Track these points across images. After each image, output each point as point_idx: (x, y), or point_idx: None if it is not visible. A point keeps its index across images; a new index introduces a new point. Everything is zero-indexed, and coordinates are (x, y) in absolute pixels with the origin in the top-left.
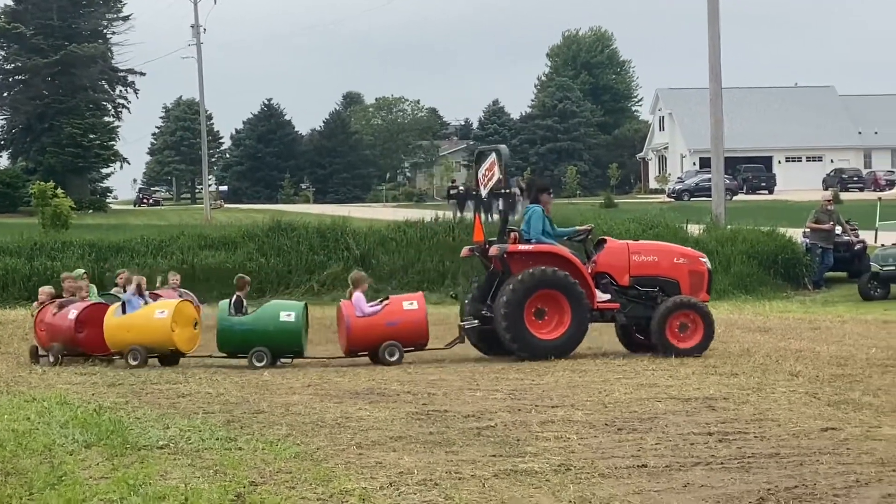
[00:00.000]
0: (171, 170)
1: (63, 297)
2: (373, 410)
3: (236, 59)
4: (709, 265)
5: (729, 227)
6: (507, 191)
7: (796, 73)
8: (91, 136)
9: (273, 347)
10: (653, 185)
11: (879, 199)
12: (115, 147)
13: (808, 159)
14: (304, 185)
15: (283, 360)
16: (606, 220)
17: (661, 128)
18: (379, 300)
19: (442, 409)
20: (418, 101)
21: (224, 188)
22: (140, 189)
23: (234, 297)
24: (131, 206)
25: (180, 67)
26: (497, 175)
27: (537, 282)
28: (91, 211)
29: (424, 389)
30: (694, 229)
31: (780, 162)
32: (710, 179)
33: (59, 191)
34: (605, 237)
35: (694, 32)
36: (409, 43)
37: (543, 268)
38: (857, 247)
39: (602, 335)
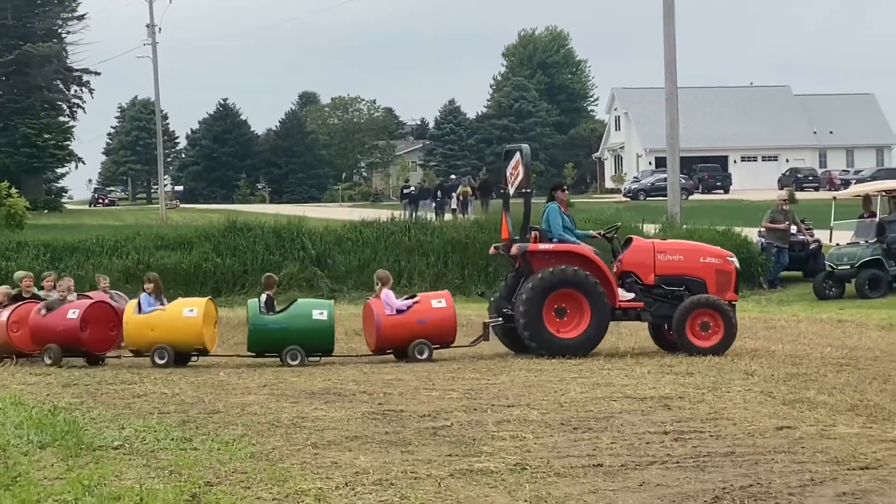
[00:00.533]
0: (127, 170)
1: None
2: (329, 410)
3: (192, 59)
4: (737, 264)
5: (684, 226)
6: (528, 190)
7: (752, 73)
8: (46, 136)
9: (305, 345)
10: (609, 184)
11: (834, 198)
12: (70, 147)
13: (764, 159)
14: (259, 185)
15: (310, 358)
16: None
17: (617, 127)
18: (407, 297)
19: (398, 408)
20: (374, 101)
21: (180, 188)
22: (95, 189)
23: (265, 296)
24: (87, 207)
25: (136, 67)
26: (521, 173)
27: (556, 281)
28: (46, 211)
29: (380, 389)
30: (650, 229)
31: (735, 161)
32: (665, 179)
33: (14, 191)
34: (633, 236)
35: (649, 32)
36: (365, 42)
37: (563, 267)
38: (813, 246)
39: (635, 334)
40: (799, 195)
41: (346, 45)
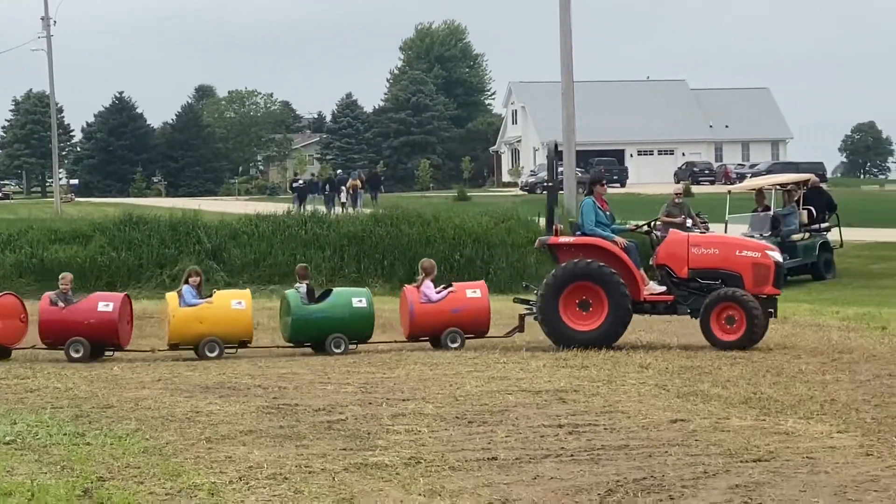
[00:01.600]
0: (22, 163)
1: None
2: (223, 405)
3: (88, 52)
4: (776, 258)
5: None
6: (550, 184)
7: (649, 67)
8: None
9: (346, 333)
10: (506, 178)
11: (729, 192)
12: None
13: (660, 153)
14: (156, 179)
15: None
16: (459, 214)
17: (514, 121)
18: (443, 286)
19: (293, 402)
20: (271, 95)
21: (75, 182)
22: None
23: (304, 285)
24: None
25: (30, 60)
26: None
27: (571, 274)
28: None
29: (275, 383)
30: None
31: (632, 155)
32: (562, 172)
33: None
34: (673, 229)
35: (546, 26)
36: (262, 35)
37: (578, 260)
38: None
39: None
40: (695, 189)
41: (243, 38)
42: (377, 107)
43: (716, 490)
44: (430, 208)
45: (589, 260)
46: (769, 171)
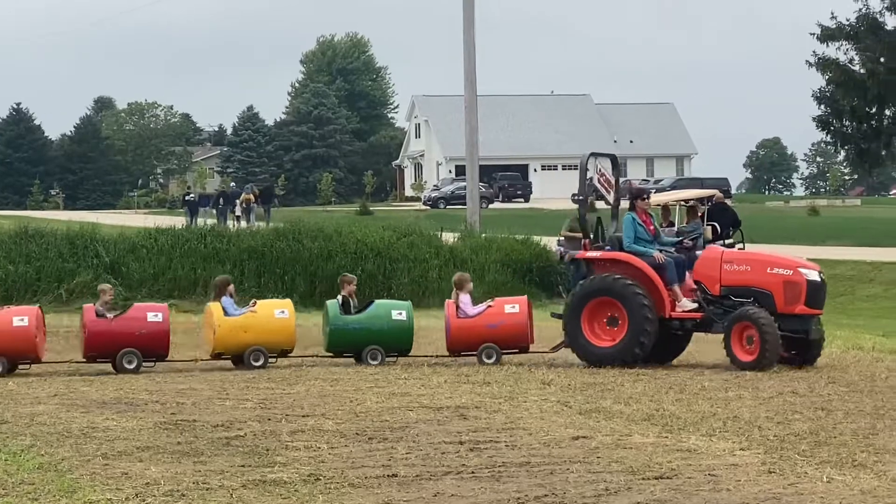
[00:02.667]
0: None
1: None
2: (120, 420)
3: None
4: (810, 276)
5: (483, 235)
6: (580, 197)
7: (553, 82)
8: None
9: (385, 345)
10: (409, 192)
11: None
12: None
13: (565, 167)
14: (53, 191)
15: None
16: (361, 228)
17: (417, 135)
18: (484, 302)
19: (191, 418)
20: (171, 107)
21: None
22: None
23: (341, 297)
24: None
25: None
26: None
27: (590, 290)
28: None
29: (173, 399)
30: (449, 237)
31: (536, 170)
32: (465, 187)
33: None
34: (714, 245)
35: (450, 39)
36: (162, 47)
37: (600, 275)
38: None
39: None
40: (599, 204)
41: (143, 49)
42: (279, 120)
43: None
44: (332, 222)
45: (609, 275)
46: (674, 187)
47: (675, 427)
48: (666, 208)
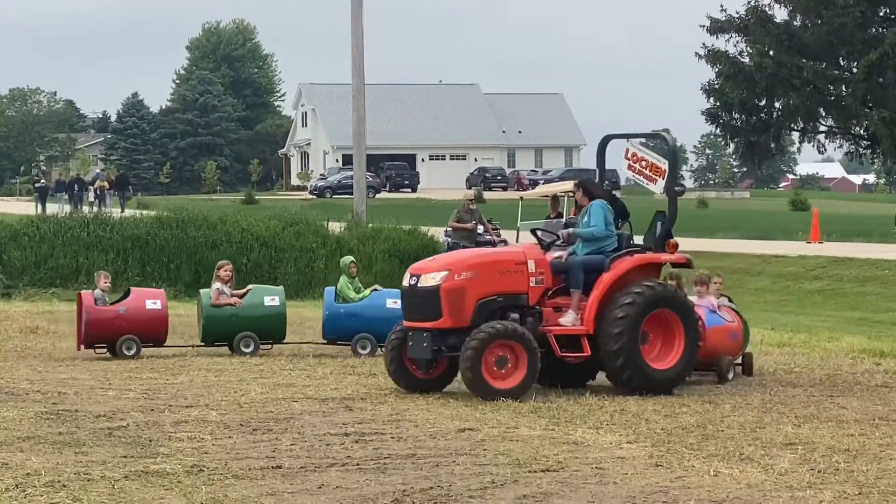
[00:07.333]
0: None
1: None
2: (0, 410)
3: None
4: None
5: (371, 225)
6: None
7: (441, 71)
8: None
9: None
10: (295, 181)
11: (521, 198)
12: None
13: (452, 157)
14: None
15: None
16: (246, 217)
17: (304, 124)
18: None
19: (72, 408)
20: (55, 93)
21: None
22: None
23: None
24: None
25: None
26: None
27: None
28: None
29: (55, 388)
30: (335, 227)
31: (423, 160)
32: (352, 177)
33: None
34: None
35: (338, 27)
36: (45, 33)
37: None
38: (499, 246)
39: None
40: (487, 195)
41: (26, 35)
42: (164, 107)
43: (503, 500)
44: (217, 211)
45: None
46: (562, 178)
47: (562, 419)
48: (556, 199)
